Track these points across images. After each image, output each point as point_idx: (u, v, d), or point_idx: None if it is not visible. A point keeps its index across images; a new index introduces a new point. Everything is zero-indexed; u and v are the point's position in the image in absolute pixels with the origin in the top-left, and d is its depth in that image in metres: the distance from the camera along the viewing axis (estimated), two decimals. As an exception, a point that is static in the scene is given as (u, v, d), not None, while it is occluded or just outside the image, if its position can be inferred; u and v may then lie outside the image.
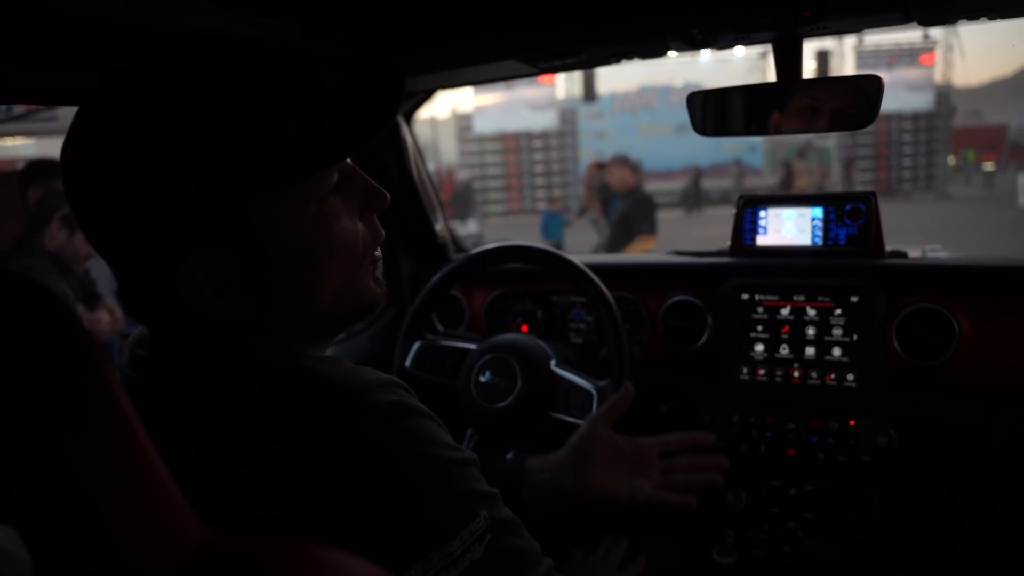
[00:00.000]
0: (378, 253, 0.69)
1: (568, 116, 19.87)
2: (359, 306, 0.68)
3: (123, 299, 0.64)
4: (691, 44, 1.16)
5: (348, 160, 0.65)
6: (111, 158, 0.56)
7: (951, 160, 20.83)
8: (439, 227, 1.83)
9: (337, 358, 0.64)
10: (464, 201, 13.99)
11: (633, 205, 5.25)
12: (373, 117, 0.61)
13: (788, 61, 1.20)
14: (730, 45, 1.20)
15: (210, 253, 0.58)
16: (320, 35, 1.07)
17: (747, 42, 1.19)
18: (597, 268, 1.37)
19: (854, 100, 1.11)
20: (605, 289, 1.32)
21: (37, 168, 2.81)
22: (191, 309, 0.60)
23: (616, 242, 5.23)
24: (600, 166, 6.09)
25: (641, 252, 4.91)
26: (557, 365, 1.35)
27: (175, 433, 0.57)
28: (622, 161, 5.58)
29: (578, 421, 1.26)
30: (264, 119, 0.57)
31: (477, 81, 1.42)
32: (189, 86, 0.57)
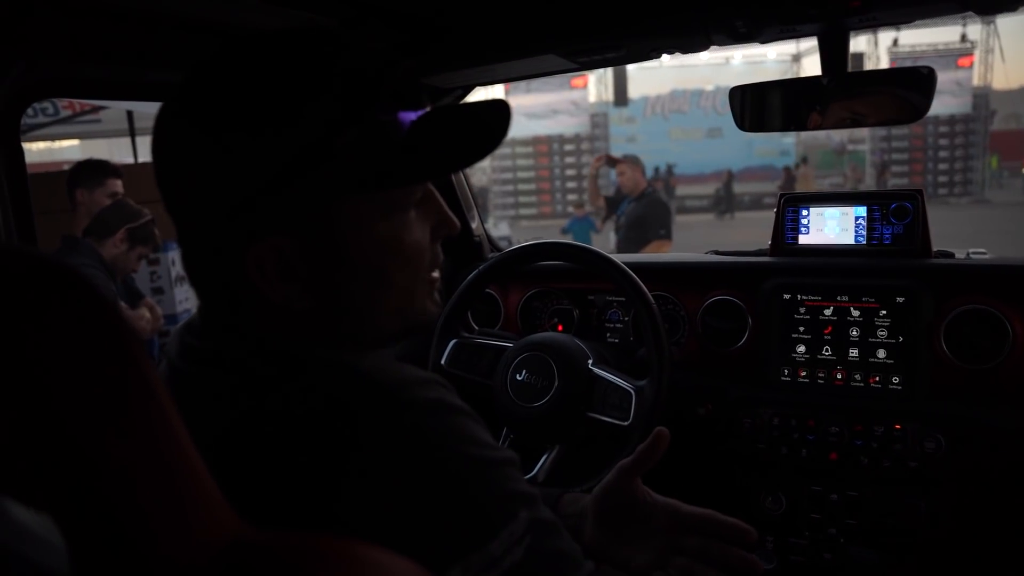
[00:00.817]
0: (436, 275, 0.70)
1: (599, 120, 19.88)
2: (414, 322, 0.68)
3: (189, 271, 0.65)
4: (734, 37, 1.13)
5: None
6: (203, 153, 0.57)
7: (994, 163, 20.29)
8: (475, 226, 1.83)
9: (379, 354, 0.65)
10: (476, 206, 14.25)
11: (646, 208, 5.05)
12: (476, 142, 0.61)
13: (834, 55, 1.17)
14: (775, 39, 1.16)
15: (284, 237, 0.59)
16: (357, 30, 1.07)
17: (792, 35, 1.16)
18: (635, 267, 1.36)
19: (906, 92, 1.06)
20: (644, 288, 1.30)
21: (84, 169, 2.87)
22: (253, 291, 0.60)
23: (628, 247, 5.02)
24: (611, 160, 5.85)
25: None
26: (594, 364, 1.33)
27: (218, 426, 0.57)
28: (633, 161, 5.34)
29: (616, 421, 1.25)
30: (366, 124, 0.58)
31: (515, 77, 1.40)
32: (288, 86, 0.57)
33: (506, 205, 20.01)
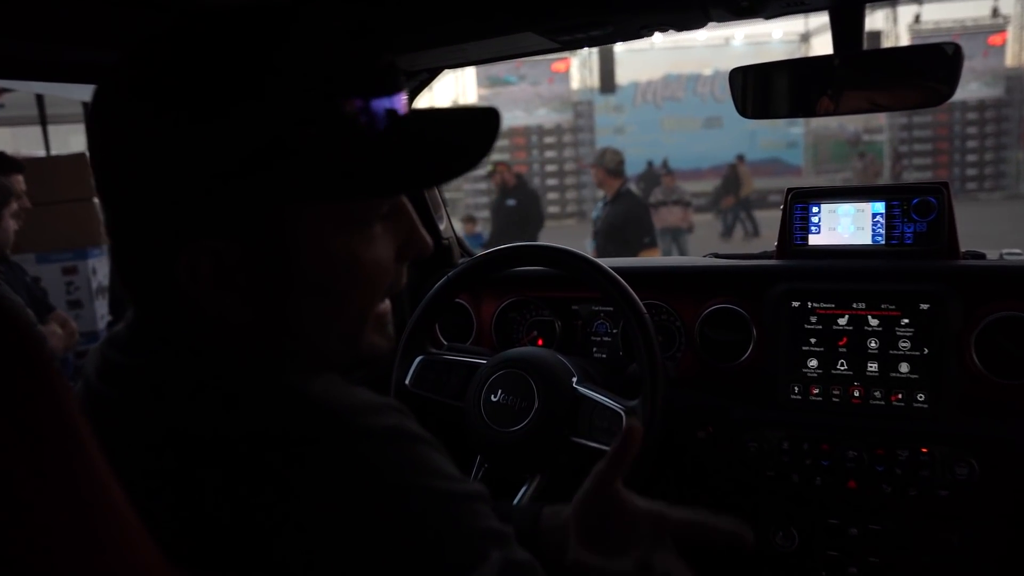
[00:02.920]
0: (387, 306, 0.70)
1: (583, 110, 19.79)
2: (360, 356, 0.68)
3: (121, 273, 0.64)
4: (735, 12, 1.14)
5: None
6: (140, 139, 0.57)
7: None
8: (443, 227, 1.83)
9: (328, 376, 0.64)
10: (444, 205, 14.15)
11: (624, 210, 5.00)
12: (459, 158, 0.61)
13: (848, 32, 1.18)
14: (780, 13, 1.18)
15: (223, 240, 0.58)
16: (315, 4, 1.07)
17: (800, 9, 1.17)
18: (624, 272, 1.36)
19: (928, 73, 1.08)
20: (635, 295, 1.31)
21: None
22: (187, 299, 0.60)
23: (604, 256, 4.98)
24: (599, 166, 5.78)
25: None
26: (579, 382, 1.33)
27: (143, 457, 0.57)
28: (607, 156, 5.32)
29: (604, 447, 1.24)
30: (331, 118, 0.57)
31: (489, 59, 1.41)
32: (238, 72, 0.57)
33: (479, 205, 19.98)
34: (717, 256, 1.62)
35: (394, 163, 0.60)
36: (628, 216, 5.03)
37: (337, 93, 0.58)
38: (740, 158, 14.77)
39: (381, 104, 0.59)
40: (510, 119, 18.92)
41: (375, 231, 0.64)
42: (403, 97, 0.62)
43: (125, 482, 0.43)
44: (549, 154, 19.71)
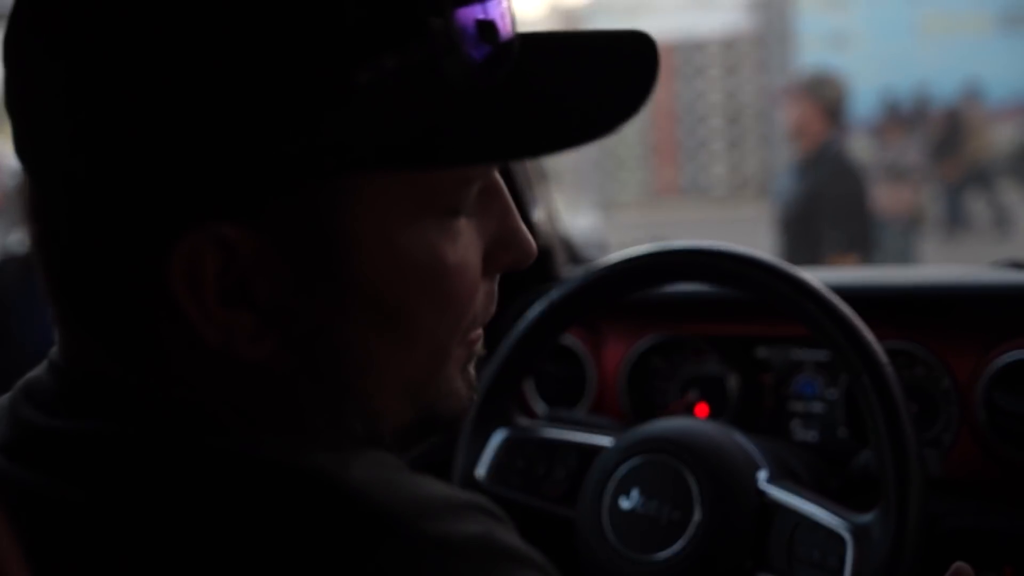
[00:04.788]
0: (479, 334, 0.66)
1: (774, 7, 15.03)
2: (434, 415, 0.63)
3: (54, 282, 0.58)
4: None
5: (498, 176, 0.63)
6: (111, 67, 0.51)
7: None
8: (539, 217, 1.64)
9: (375, 456, 0.58)
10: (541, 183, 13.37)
11: (822, 180, 4.19)
12: (601, 114, 0.57)
13: None
14: None
15: (235, 223, 0.52)
16: None
17: None
18: (847, 291, 1.13)
19: None
20: (870, 335, 1.09)
21: None
22: (172, 321, 0.54)
23: (794, 259, 4.36)
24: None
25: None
26: (771, 480, 1.14)
27: None
28: (814, 89, 4.44)
29: None
30: (408, 52, 0.53)
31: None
32: None
33: (590, 172, 15.22)
34: (1018, 266, 1.40)
35: (498, 115, 0.55)
36: (829, 192, 4.21)
37: (421, 14, 0.53)
38: (971, 95, 11.30)
39: (470, 14, 0.54)
40: (645, 27, 16.09)
41: (459, 225, 0.59)
42: (503, 5, 0.57)
43: None
44: (712, 83, 14.97)
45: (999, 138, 13.01)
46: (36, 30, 0.54)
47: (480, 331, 0.66)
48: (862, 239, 4.15)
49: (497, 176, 0.62)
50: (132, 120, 0.51)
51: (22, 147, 0.56)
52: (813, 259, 3.97)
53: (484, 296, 0.64)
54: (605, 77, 0.59)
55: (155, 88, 0.51)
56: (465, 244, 0.60)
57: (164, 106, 0.51)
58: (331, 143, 0.52)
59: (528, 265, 0.66)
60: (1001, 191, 10.86)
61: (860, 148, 9.69)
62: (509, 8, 0.58)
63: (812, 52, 14.06)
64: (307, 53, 0.51)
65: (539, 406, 1.46)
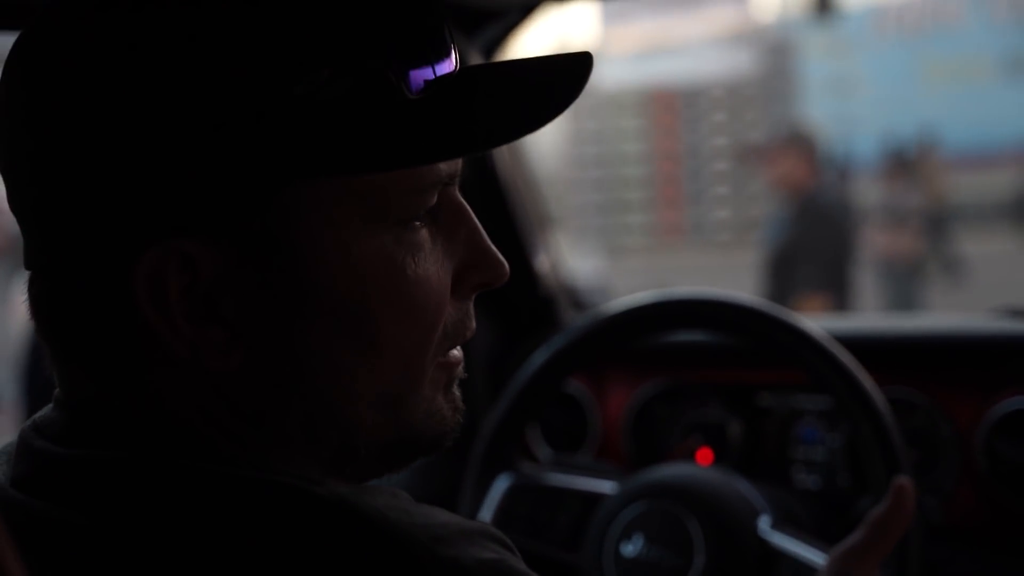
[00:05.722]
0: (458, 354, 0.66)
1: (779, 52, 14.77)
2: (415, 434, 0.63)
3: (42, 313, 0.60)
4: None
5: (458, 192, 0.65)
6: (85, 91, 0.55)
7: None
8: (543, 263, 1.64)
9: (389, 489, 0.60)
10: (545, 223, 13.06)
11: (805, 227, 4.36)
12: (534, 102, 0.61)
13: None
14: None
15: (197, 239, 0.55)
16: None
17: None
18: (848, 339, 1.16)
19: None
20: (870, 383, 1.11)
21: None
22: (149, 340, 0.55)
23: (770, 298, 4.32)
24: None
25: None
26: (773, 527, 1.17)
27: None
28: (795, 142, 4.65)
29: None
30: (359, 74, 0.56)
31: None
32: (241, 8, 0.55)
33: (594, 215, 14.70)
34: (1016, 313, 1.40)
35: (435, 121, 0.58)
36: (806, 236, 4.34)
37: (370, 52, 0.56)
38: (923, 145, 10.81)
39: (420, 74, 0.57)
40: (649, 71, 14.48)
41: (420, 237, 0.60)
42: (451, 58, 0.61)
43: None
44: (719, 129, 14.15)
45: (1004, 183, 13.05)
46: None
47: (460, 353, 0.66)
48: (839, 283, 4.33)
49: (459, 198, 0.63)
50: (84, 146, 0.54)
51: (9, 172, 0.58)
52: (787, 301, 4.08)
53: (458, 315, 0.65)
54: (533, 86, 0.61)
55: (101, 114, 0.53)
56: (427, 258, 0.61)
57: (110, 130, 0.53)
58: (271, 154, 0.54)
59: (501, 283, 0.66)
60: (957, 240, 10.57)
61: (863, 193, 9.56)
62: (452, 45, 0.60)
63: (817, 97, 14.21)
64: (246, 70, 0.53)
65: (543, 451, 1.47)
